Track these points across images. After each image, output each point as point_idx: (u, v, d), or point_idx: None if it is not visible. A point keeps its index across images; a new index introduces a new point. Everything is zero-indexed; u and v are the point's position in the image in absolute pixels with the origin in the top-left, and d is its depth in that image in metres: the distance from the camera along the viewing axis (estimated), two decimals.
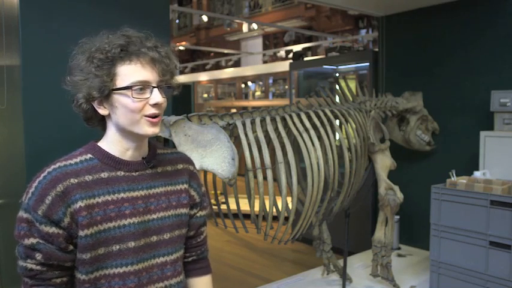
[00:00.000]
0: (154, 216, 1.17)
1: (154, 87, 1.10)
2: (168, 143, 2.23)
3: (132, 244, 1.12)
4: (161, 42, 1.15)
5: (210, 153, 2.11)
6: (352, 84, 4.22)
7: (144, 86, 1.08)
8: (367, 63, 4.39)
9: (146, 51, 1.09)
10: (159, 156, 1.24)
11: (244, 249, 4.84)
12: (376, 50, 4.33)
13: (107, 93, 1.08)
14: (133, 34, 1.12)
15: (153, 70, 1.10)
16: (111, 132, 1.15)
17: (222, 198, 5.79)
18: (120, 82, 1.08)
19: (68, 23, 2.15)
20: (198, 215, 1.31)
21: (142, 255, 1.15)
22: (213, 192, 2.79)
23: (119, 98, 1.09)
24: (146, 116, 1.10)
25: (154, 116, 1.11)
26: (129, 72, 1.08)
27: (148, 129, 1.11)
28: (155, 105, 1.10)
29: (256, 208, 2.46)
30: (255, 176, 2.31)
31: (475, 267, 2.86)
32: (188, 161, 1.32)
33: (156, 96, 1.09)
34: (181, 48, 12.36)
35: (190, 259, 1.34)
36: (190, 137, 2.11)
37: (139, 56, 1.08)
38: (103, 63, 1.07)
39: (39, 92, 2.07)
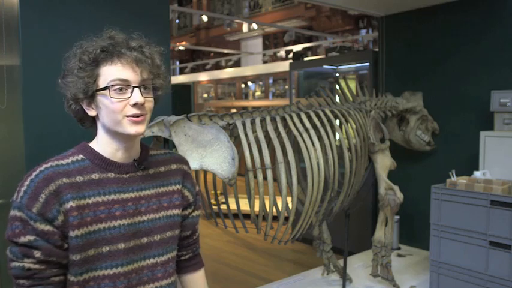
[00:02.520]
0: (144, 218, 1.17)
1: (135, 87, 1.09)
2: (168, 143, 2.23)
3: (122, 246, 1.12)
4: (149, 43, 1.16)
5: (210, 153, 2.11)
6: (352, 84, 4.22)
7: (123, 85, 1.08)
8: (367, 63, 4.39)
9: (127, 51, 1.09)
10: (151, 157, 1.24)
11: (244, 249, 4.84)
12: (376, 50, 4.33)
13: (90, 94, 1.09)
14: (117, 35, 1.12)
15: (135, 70, 1.09)
16: (101, 133, 1.16)
17: (222, 198, 5.79)
18: (102, 83, 1.09)
19: (68, 23, 2.15)
20: (193, 214, 1.32)
21: (132, 256, 1.15)
22: (213, 192, 2.79)
23: (101, 99, 1.10)
24: (127, 116, 1.09)
25: (136, 116, 1.10)
26: (109, 73, 1.08)
27: (130, 129, 1.10)
28: (135, 105, 1.09)
29: (256, 208, 2.46)
30: (255, 176, 2.31)
31: (475, 267, 2.85)
32: (182, 161, 1.32)
33: (136, 96, 1.09)
34: (181, 48, 12.36)
35: (187, 256, 1.36)
36: (190, 137, 2.11)
37: (120, 56, 1.09)
38: (86, 65, 1.08)
39: (39, 92, 2.07)
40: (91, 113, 1.13)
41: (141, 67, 1.10)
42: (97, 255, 1.09)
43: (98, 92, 1.09)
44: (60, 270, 1.08)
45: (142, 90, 1.10)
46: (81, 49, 1.10)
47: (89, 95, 1.09)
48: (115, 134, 1.13)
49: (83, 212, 1.07)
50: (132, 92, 1.09)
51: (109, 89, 1.08)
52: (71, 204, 1.06)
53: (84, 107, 1.13)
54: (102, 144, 1.15)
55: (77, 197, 1.07)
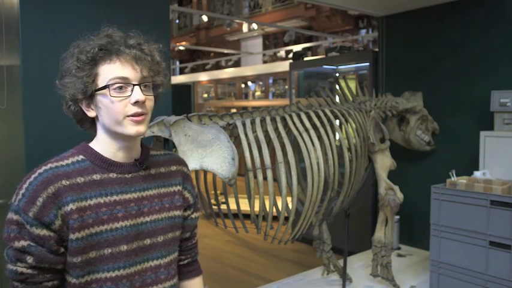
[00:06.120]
0: (147, 218, 1.15)
1: (135, 85, 1.07)
2: (168, 143, 2.23)
3: (124, 247, 1.10)
4: (147, 40, 1.13)
5: (210, 153, 2.11)
6: (352, 84, 4.22)
7: (123, 84, 1.06)
8: (367, 63, 4.39)
9: (126, 49, 1.07)
10: (152, 157, 1.22)
11: (244, 249, 4.84)
12: (376, 50, 4.33)
13: (89, 94, 1.07)
14: (115, 33, 1.10)
15: (134, 68, 1.07)
16: (101, 133, 1.13)
17: (222, 198, 5.78)
18: (101, 82, 1.07)
19: (68, 23, 2.15)
20: (192, 216, 1.30)
21: (135, 258, 1.13)
22: (213, 192, 2.79)
23: (100, 99, 1.07)
24: (129, 116, 1.07)
25: (137, 115, 1.08)
26: (108, 72, 1.06)
27: (131, 129, 1.08)
28: (136, 103, 1.06)
29: (256, 208, 2.45)
30: (255, 176, 2.31)
31: (475, 267, 2.85)
32: (182, 162, 1.30)
33: (137, 94, 1.06)
34: (181, 48, 12.36)
35: (185, 262, 1.33)
36: (190, 137, 2.11)
37: (118, 54, 1.06)
38: (84, 64, 1.06)
39: (39, 92, 2.07)
40: (90, 113, 1.11)
41: (140, 65, 1.08)
42: (99, 257, 1.08)
43: (97, 92, 1.07)
44: (53, 276, 1.07)
45: (142, 88, 1.08)
46: (78, 48, 1.08)
47: (88, 95, 1.07)
48: (115, 134, 1.11)
49: (84, 214, 1.05)
50: (132, 90, 1.06)
51: (109, 88, 1.05)
52: (71, 206, 1.04)
53: (83, 108, 1.10)
54: (103, 145, 1.13)
55: (78, 199, 1.05)
